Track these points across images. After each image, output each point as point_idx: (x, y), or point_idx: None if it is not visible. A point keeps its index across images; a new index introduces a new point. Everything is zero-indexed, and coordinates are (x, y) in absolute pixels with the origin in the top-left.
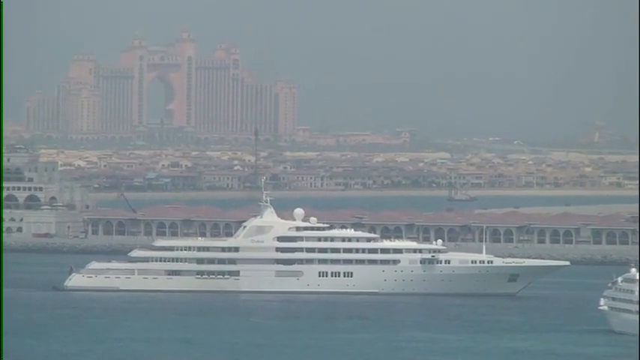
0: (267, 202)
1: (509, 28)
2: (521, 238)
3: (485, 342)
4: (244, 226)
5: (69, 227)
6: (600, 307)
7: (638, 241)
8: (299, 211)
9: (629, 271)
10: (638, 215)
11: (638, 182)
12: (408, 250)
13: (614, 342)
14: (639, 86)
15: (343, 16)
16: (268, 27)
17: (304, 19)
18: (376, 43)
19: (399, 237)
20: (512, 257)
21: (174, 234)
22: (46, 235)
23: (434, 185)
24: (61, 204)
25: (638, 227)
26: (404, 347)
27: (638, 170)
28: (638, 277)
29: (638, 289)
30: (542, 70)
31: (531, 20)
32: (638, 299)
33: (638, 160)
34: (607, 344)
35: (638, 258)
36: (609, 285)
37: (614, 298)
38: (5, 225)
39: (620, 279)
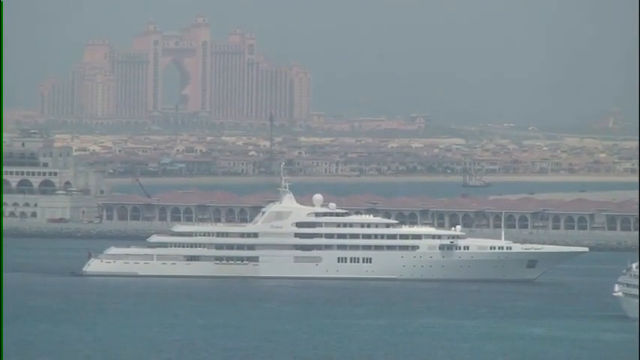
0: (286, 188)
1: (509, 28)
2: (535, 224)
3: (502, 328)
4: (263, 212)
5: (83, 212)
6: (615, 293)
7: None
8: (318, 197)
9: None
10: None
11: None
12: (427, 236)
13: (628, 328)
14: (639, 78)
15: (344, 13)
16: (282, 16)
17: (315, 14)
18: (376, 42)
19: (413, 223)
20: (527, 243)
21: (188, 219)
22: (61, 220)
23: (448, 171)
24: (75, 189)
25: None
26: (421, 333)
27: None
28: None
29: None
30: (542, 69)
31: (531, 17)
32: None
33: None
34: (621, 330)
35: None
36: (624, 271)
37: (628, 284)
38: (19, 210)
39: (634, 265)
